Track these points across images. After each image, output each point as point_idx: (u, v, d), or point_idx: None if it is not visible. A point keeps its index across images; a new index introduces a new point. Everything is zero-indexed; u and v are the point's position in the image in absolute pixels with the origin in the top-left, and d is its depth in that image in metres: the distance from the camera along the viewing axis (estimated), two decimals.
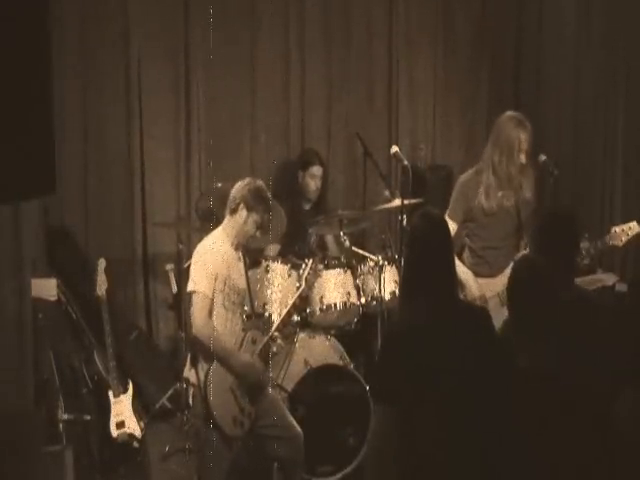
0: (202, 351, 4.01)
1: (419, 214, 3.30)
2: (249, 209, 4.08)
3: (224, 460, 4.09)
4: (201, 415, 4.05)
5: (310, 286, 4.57)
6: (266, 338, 4.24)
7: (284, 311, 4.58)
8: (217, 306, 4.05)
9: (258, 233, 4.16)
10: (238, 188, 4.15)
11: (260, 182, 4.20)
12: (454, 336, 3.01)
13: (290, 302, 4.54)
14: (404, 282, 3.22)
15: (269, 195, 4.20)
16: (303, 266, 4.71)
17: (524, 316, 3.22)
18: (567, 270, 3.39)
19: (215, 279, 4.01)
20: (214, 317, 4.03)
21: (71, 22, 5.44)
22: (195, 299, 3.99)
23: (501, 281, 4.10)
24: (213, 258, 4.04)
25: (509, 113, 4.66)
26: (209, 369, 3.98)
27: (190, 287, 4.03)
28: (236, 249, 4.19)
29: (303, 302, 4.91)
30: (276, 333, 4.35)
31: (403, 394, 2.96)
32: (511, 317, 3.31)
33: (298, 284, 4.89)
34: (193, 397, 4.17)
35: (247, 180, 4.19)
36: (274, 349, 4.35)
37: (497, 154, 4.55)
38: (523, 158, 4.55)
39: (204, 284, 3.99)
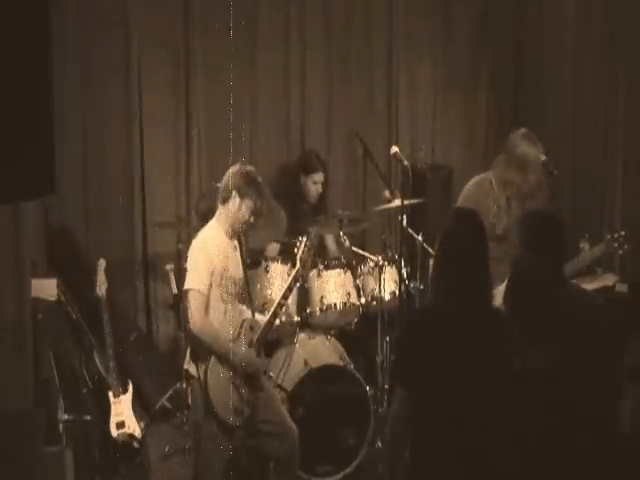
0: (201, 347, 4.03)
1: (455, 211, 3.33)
2: (242, 195, 4.06)
3: (223, 451, 4.10)
4: (201, 407, 4.06)
5: (305, 266, 4.45)
6: (264, 324, 4.22)
7: (282, 298, 4.53)
8: (215, 300, 4.05)
9: (252, 219, 4.13)
10: (228, 176, 4.12)
11: (250, 167, 4.18)
12: (475, 331, 3.05)
13: (285, 285, 4.46)
14: (435, 276, 3.25)
15: (260, 179, 4.16)
16: (297, 244, 4.66)
17: (521, 315, 3.23)
18: (556, 268, 3.39)
19: (212, 274, 4.01)
20: (213, 311, 4.04)
21: (71, 22, 5.43)
22: (191, 297, 3.99)
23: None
24: (208, 253, 4.04)
25: (522, 131, 4.65)
26: (209, 361, 4.01)
27: (186, 285, 4.03)
28: (231, 238, 4.17)
29: (302, 299, 4.92)
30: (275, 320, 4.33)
31: (421, 380, 3.02)
32: (509, 317, 3.32)
33: (299, 283, 4.87)
34: (192, 389, 4.19)
35: (237, 167, 4.15)
36: (274, 329, 4.33)
37: (511, 172, 4.54)
38: (536, 176, 4.55)
39: (199, 281, 3.99)
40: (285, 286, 4.37)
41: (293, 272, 4.40)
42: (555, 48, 6.64)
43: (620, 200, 6.30)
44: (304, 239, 4.49)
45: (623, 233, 4.44)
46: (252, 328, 4.19)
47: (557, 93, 6.67)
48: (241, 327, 4.15)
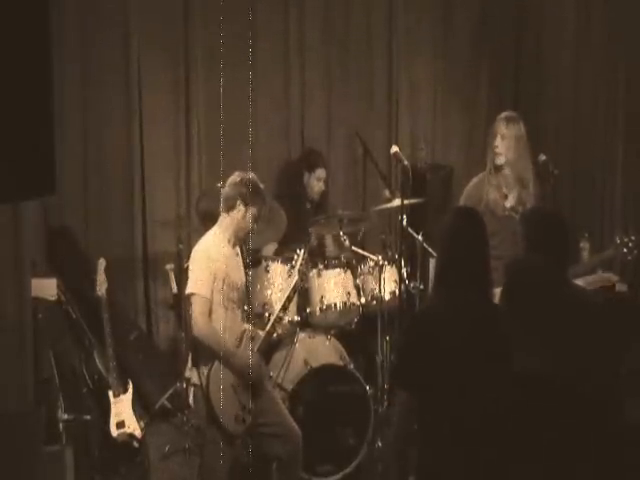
0: (203, 352, 4.03)
1: (456, 209, 3.31)
2: (246, 204, 4.08)
3: (225, 458, 4.10)
4: (203, 414, 4.06)
5: (303, 278, 4.51)
6: (263, 334, 4.24)
7: (281, 310, 4.58)
8: (216, 306, 4.05)
9: (255, 225, 4.16)
10: (232, 185, 4.14)
11: (252, 175, 4.19)
12: (476, 330, 3.05)
13: (284, 296, 4.51)
14: (437, 274, 3.24)
15: (262, 186, 4.18)
16: (295, 257, 4.69)
17: (520, 316, 3.22)
18: (559, 268, 3.39)
19: (214, 280, 4.02)
20: (214, 316, 4.04)
21: (71, 22, 5.44)
22: (194, 302, 4.00)
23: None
24: (210, 259, 4.05)
25: (503, 113, 4.68)
26: (210, 368, 4.00)
27: (189, 290, 4.04)
28: (233, 246, 4.19)
29: (302, 299, 4.93)
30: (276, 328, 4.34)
31: (422, 381, 3.02)
32: (508, 317, 3.31)
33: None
34: (194, 397, 4.19)
35: (239, 176, 4.16)
36: (274, 337, 4.34)
37: (488, 151, 4.61)
38: (501, 149, 4.55)
39: (202, 286, 4.00)
40: (284, 297, 4.41)
41: (292, 283, 4.43)
42: (555, 48, 6.65)
43: (620, 198, 6.31)
44: (301, 252, 4.53)
45: (634, 238, 4.28)
46: (252, 338, 4.20)
47: (557, 93, 6.68)
48: (242, 336, 4.16)
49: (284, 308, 4.37)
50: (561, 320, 3.18)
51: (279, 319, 4.36)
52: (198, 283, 4.00)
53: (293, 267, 4.72)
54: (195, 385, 4.10)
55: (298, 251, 4.60)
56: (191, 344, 4.16)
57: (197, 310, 3.99)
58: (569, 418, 3.09)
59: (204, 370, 4.02)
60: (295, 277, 4.44)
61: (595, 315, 3.34)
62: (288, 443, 4.19)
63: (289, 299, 4.39)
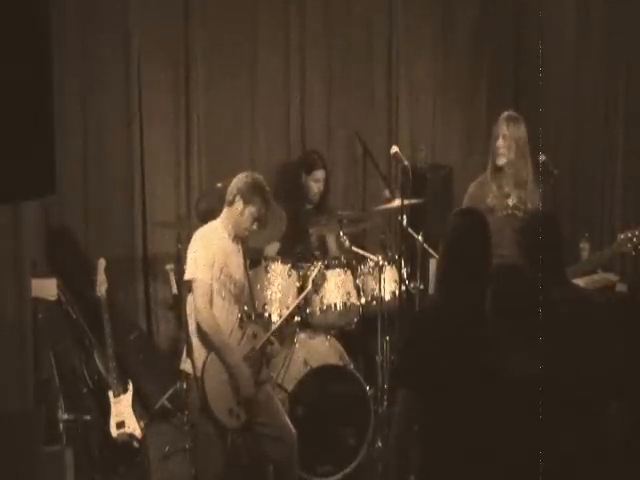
0: (202, 339, 4.04)
1: (459, 210, 3.34)
2: (245, 201, 4.12)
3: (219, 451, 4.11)
4: (197, 405, 4.06)
5: (317, 289, 4.63)
6: (267, 335, 4.25)
7: (285, 312, 4.61)
8: (215, 294, 4.07)
9: (255, 226, 4.18)
10: (235, 181, 4.21)
11: (258, 175, 4.26)
12: (478, 330, 3.05)
13: (294, 303, 4.55)
14: (439, 273, 3.26)
15: (267, 188, 4.22)
16: (312, 268, 4.77)
17: (509, 321, 3.22)
18: (555, 270, 3.38)
19: (212, 265, 4.04)
20: (212, 304, 4.06)
21: (71, 22, 5.44)
22: (196, 286, 4.02)
23: None
24: (210, 245, 4.09)
25: (505, 112, 4.70)
26: (207, 358, 4.00)
27: (189, 275, 4.06)
28: (234, 241, 4.21)
29: (304, 303, 4.95)
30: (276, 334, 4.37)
31: (423, 381, 3.03)
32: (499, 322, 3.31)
33: (299, 284, 4.91)
34: (188, 389, 4.19)
35: (245, 173, 4.25)
36: (269, 350, 4.35)
37: (490, 151, 4.62)
38: (502, 150, 4.56)
39: (203, 271, 4.02)
40: (293, 304, 4.48)
41: (304, 292, 4.55)
42: (555, 48, 6.64)
43: (620, 198, 6.30)
44: (319, 264, 4.70)
45: (637, 233, 4.09)
46: (255, 336, 4.21)
47: (557, 93, 6.67)
48: (244, 333, 4.17)
49: (292, 315, 4.41)
50: (561, 320, 3.19)
51: (286, 323, 4.39)
52: (198, 268, 4.03)
53: (300, 275, 4.87)
54: (189, 376, 4.10)
55: (315, 263, 4.75)
56: (186, 333, 4.14)
57: (199, 295, 4.00)
58: (569, 418, 3.09)
59: (199, 359, 4.01)
60: (309, 287, 4.58)
61: (595, 315, 3.34)
62: (284, 445, 4.20)
63: (298, 307, 4.45)
